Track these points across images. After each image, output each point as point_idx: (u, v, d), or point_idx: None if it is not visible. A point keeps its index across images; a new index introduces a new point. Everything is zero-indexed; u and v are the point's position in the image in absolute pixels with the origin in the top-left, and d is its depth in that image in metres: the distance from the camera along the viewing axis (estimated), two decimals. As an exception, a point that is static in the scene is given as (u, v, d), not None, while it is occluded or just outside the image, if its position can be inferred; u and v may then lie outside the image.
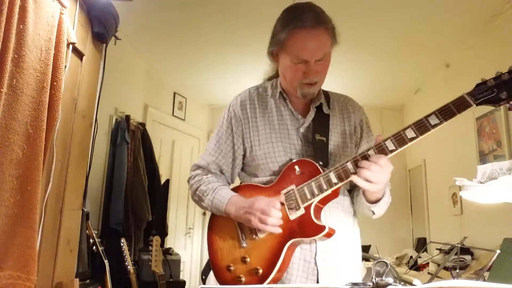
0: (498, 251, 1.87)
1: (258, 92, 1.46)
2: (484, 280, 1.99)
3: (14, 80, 1.37)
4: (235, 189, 1.38)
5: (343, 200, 1.36)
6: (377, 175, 1.12)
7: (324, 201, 1.24)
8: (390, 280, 0.77)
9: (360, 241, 1.43)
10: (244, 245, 1.28)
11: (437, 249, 3.35)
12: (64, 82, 1.66)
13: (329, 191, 1.20)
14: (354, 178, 1.14)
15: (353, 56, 3.69)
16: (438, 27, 3.19)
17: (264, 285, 1.20)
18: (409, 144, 1.11)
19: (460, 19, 3.06)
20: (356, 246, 1.40)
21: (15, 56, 1.37)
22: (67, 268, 1.82)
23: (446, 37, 3.34)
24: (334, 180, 1.18)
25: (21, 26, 1.39)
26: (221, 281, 1.30)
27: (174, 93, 4.72)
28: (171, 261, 3.31)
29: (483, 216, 3.05)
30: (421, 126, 1.10)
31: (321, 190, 1.20)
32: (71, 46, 1.75)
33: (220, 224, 1.36)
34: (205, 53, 3.81)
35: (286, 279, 1.27)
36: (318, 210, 1.25)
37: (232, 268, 1.27)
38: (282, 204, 1.24)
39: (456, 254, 2.29)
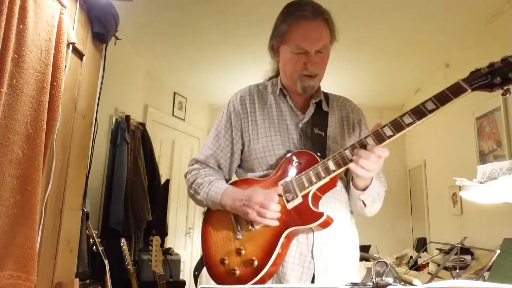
0: (498, 251, 1.88)
1: (258, 89, 1.48)
2: (484, 280, 1.99)
3: (14, 80, 1.37)
4: (232, 184, 1.37)
5: (341, 195, 1.35)
6: (372, 164, 1.13)
7: (323, 190, 1.24)
8: (390, 280, 0.77)
9: (358, 241, 1.42)
10: (240, 237, 1.26)
11: (437, 249, 3.35)
12: (64, 82, 1.66)
13: (327, 179, 1.19)
14: (351, 166, 1.15)
15: (353, 56, 3.69)
16: (438, 27, 3.19)
17: (264, 285, 1.19)
18: (407, 129, 1.12)
19: (460, 19, 3.06)
20: (353, 246, 1.39)
21: (15, 56, 1.37)
22: (67, 268, 1.81)
23: (446, 37, 3.34)
24: (332, 167, 1.18)
25: (21, 26, 1.39)
26: (213, 276, 1.28)
27: (174, 93, 4.72)
28: (171, 261, 3.30)
29: (483, 216, 3.05)
30: (418, 112, 1.11)
31: (319, 178, 1.19)
32: (71, 46, 1.75)
33: (215, 219, 1.35)
34: (205, 53, 3.81)
35: (281, 273, 1.25)
36: (316, 199, 1.24)
37: (226, 261, 1.26)
38: (279, 195, 1.23)
39: (456, 254, 2.29)
